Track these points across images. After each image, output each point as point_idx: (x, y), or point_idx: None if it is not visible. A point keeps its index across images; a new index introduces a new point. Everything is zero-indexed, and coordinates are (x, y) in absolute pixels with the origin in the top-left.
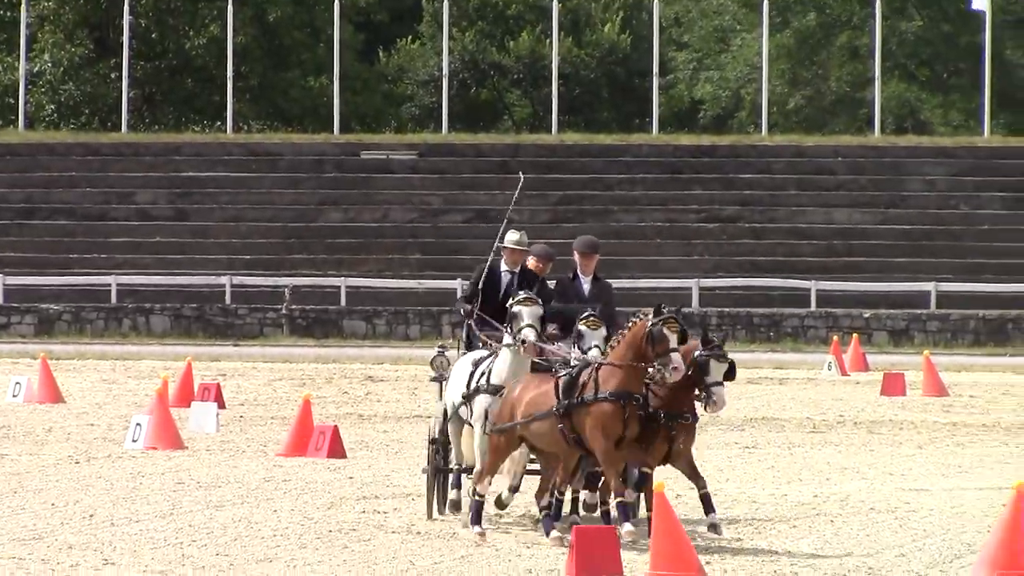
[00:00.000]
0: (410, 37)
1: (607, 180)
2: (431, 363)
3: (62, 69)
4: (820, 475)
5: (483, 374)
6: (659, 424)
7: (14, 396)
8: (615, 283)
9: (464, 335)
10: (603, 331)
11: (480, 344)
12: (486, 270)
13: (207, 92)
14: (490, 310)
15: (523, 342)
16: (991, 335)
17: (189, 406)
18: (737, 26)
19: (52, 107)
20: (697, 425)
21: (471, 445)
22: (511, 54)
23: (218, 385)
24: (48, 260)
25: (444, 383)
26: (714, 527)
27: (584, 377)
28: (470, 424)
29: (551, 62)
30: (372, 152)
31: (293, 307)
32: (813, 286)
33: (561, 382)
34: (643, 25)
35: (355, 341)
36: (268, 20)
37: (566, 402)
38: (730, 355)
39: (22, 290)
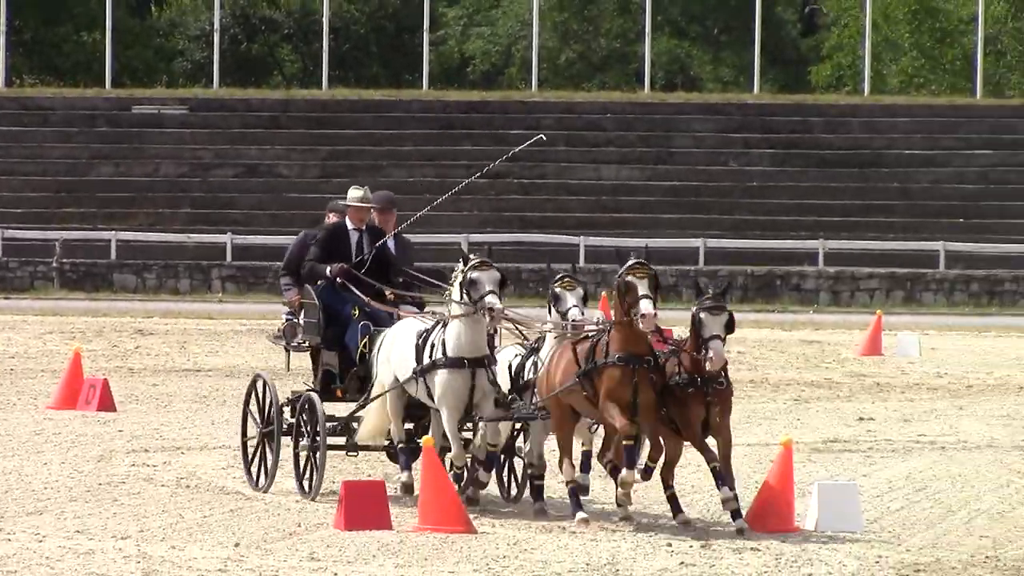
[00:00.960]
0: None
1: (377, 135)
2: (283, 332)
3: None
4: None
5: (434, 346)
6: (696, 391)
7: None
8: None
9: (318, 299)
10: (580, 291)
11: (355, 306)
12: (321, 231)
13: None
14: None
15: (490, 310)
16: (759, 291)
17: None
18: None
19: None
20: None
21: (378, 420)
22: (282, 8)
23: None
24: None
25: (291, 352)
26: (733, 512)
27: (601, 341)
28: (430, 403)
29: (322, 17)
30: (143, 106)
31: (64, 260)
32: (581, 242)
33: (583, 348)
34: None
35: (125, 294)
36: None
37: (583, 368)
38: (728, 307)
39: None
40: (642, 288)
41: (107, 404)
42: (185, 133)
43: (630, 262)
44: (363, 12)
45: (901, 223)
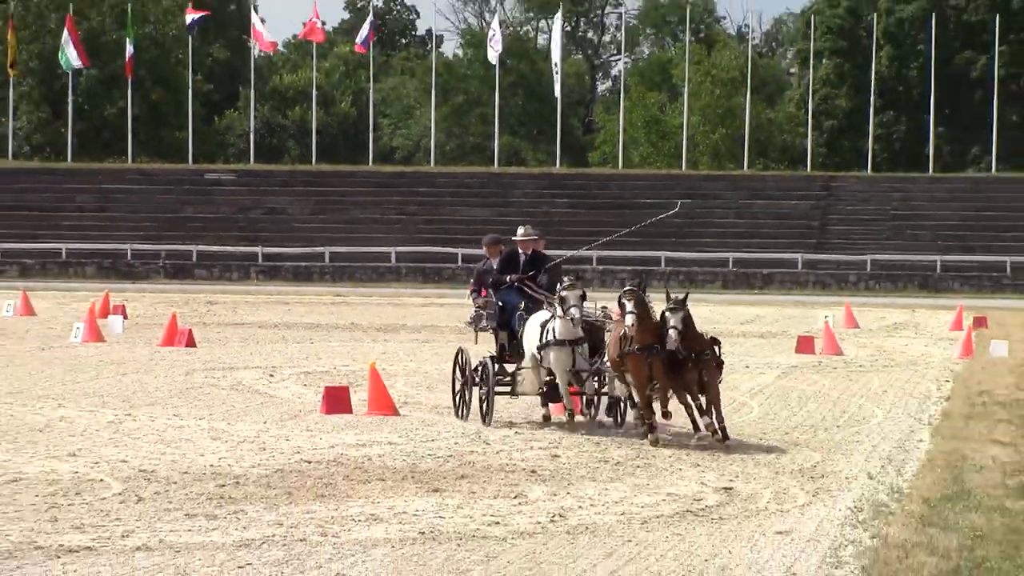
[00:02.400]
0: (232, 109)
1: (345, 191)
2: (473, 320)
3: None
4: None
5: (547, 332)
6: (688, 360)
7: (6, 312)
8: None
9: (494, 299)
10: (579, 291)
11: (522, 305)
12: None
13: (119, 140)
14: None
15: (572, 318)
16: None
17: (107, 317)
18: (416, 104)
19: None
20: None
21: (532, 379)
22: (289, 119)
23: (123, 306)
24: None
25: (477, 332)
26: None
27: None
28: (544, 367)
29: (312, 124)
30: (211, 175)
31: (166, 261)
32: (460, 253)
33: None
34: (364, 103)
35: (201, 281)
36: (152, 99)
37: (620, 352)
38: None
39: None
40: (629, 306)
41: (191, 343)
42: (235, 190)
43: (626, 287)
44: (335, 120)
45: (639, 241)
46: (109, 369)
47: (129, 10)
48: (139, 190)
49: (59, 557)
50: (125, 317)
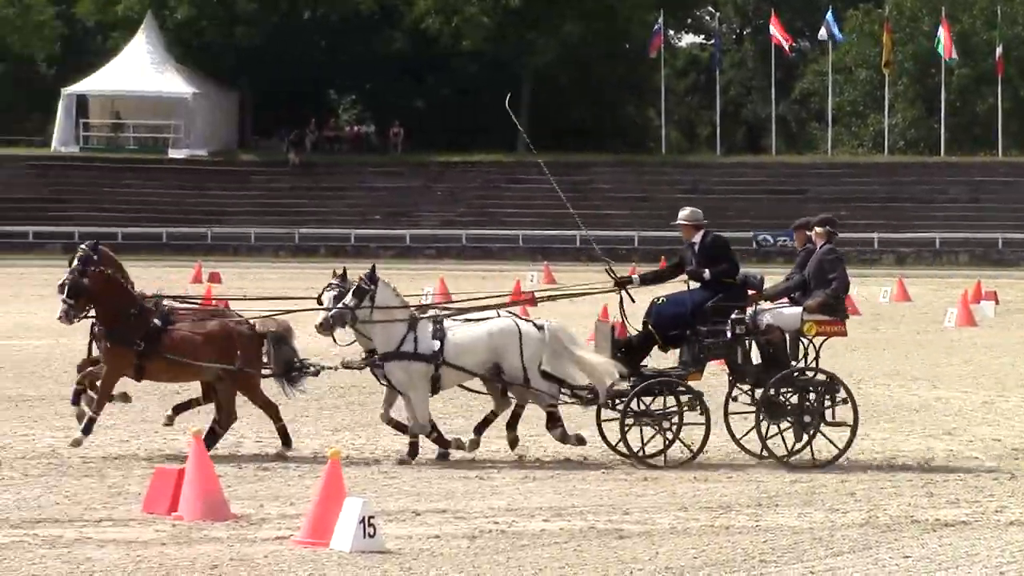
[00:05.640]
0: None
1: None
2: None
3: None
4: None
5: None
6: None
7: (883, 299)
8: None
9: None
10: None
11: None
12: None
13: (989, 134)
14: None
15: None
16: None
17: (979, 303)
18: None
19: None
20: None
21: None
22: None
23: (995, 292)
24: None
25: None
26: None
27: None
28: None
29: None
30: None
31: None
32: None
33: None
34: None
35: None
36: (1021, 95)
37: None
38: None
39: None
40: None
41: None
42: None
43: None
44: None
45: None
46: (981, 352)
47: (999, 11)
48: (1010, 182)
49: (935, 531)
50: (996, 303)
